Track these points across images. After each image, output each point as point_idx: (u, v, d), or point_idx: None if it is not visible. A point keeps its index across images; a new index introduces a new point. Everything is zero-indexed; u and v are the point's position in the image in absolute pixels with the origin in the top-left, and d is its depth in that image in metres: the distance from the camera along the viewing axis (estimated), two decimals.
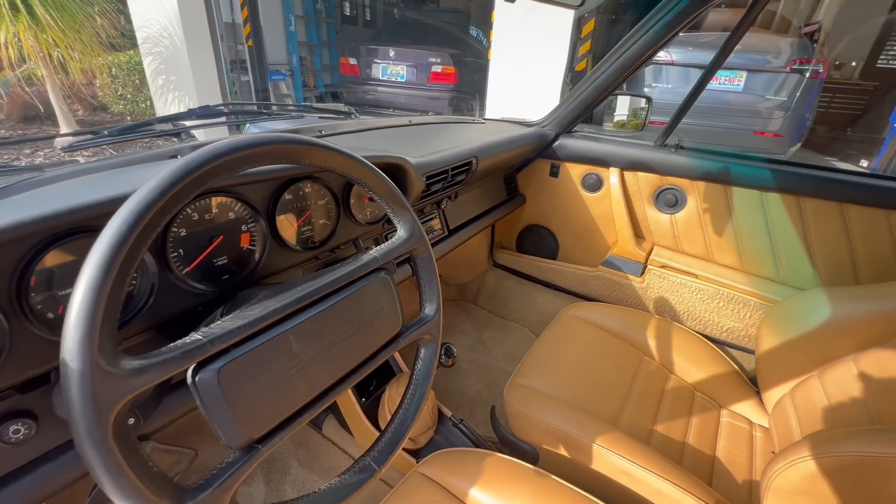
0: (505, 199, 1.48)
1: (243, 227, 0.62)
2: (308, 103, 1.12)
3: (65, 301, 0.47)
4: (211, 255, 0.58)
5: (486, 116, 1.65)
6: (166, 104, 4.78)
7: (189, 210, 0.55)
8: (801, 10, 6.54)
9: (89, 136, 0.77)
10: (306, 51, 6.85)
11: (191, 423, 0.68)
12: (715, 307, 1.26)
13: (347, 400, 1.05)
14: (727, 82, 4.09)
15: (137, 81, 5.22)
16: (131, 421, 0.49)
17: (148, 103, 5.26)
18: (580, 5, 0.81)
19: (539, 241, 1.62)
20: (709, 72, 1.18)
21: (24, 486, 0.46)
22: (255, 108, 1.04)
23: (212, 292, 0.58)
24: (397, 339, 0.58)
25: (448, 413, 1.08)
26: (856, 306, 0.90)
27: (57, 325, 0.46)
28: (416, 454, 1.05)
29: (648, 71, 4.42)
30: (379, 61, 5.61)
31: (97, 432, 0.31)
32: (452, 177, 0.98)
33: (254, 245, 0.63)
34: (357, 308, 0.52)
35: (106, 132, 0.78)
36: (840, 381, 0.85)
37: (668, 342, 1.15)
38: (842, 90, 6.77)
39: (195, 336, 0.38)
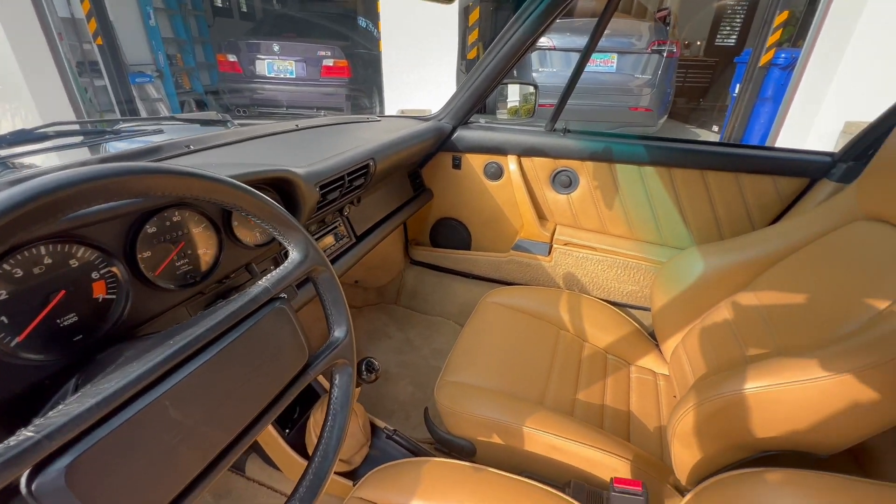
0: (412, 196, 1.45)
1: (94, 275, 0.51)
2: (171, 114, 0.96)
3: None
4: (50, 316, 0.47)
5: (386, 109, 1.60)
6: None
7: (6, 266, 0.44)
8: None
9: None
10: (175, 48, 6.10)
11: None
12: (615, 275, 1.38)
13: (269, 435, 0.96)
14: (602, 64, 4.48)
15: None
16: None
17: None
18: (452, 1, 0.79)
19: (452, 233, 1.63)
20: (584, 57, 1.26)
21: None
22: (90, 126, 0.86)
23: (58, 361, 0.47)
24: (306, 372, 0.53)
25: (381, 425, 1.05)
26: (722, 259, 1.04)
27: None
28: (353, 475, 1.00)
29: (535, 56, 4.66)
30: (263, 57, 5.19)
31: None
32: (350, 182, 0.92)
33: (112, 293, 0.53)
34: (251, 349, 0.46)
35: None
36: (716, 326, 0.98)
37: (579, 313, 1.23)
38: (692, 66, 7.83)
39: (25, 433, 0.30)
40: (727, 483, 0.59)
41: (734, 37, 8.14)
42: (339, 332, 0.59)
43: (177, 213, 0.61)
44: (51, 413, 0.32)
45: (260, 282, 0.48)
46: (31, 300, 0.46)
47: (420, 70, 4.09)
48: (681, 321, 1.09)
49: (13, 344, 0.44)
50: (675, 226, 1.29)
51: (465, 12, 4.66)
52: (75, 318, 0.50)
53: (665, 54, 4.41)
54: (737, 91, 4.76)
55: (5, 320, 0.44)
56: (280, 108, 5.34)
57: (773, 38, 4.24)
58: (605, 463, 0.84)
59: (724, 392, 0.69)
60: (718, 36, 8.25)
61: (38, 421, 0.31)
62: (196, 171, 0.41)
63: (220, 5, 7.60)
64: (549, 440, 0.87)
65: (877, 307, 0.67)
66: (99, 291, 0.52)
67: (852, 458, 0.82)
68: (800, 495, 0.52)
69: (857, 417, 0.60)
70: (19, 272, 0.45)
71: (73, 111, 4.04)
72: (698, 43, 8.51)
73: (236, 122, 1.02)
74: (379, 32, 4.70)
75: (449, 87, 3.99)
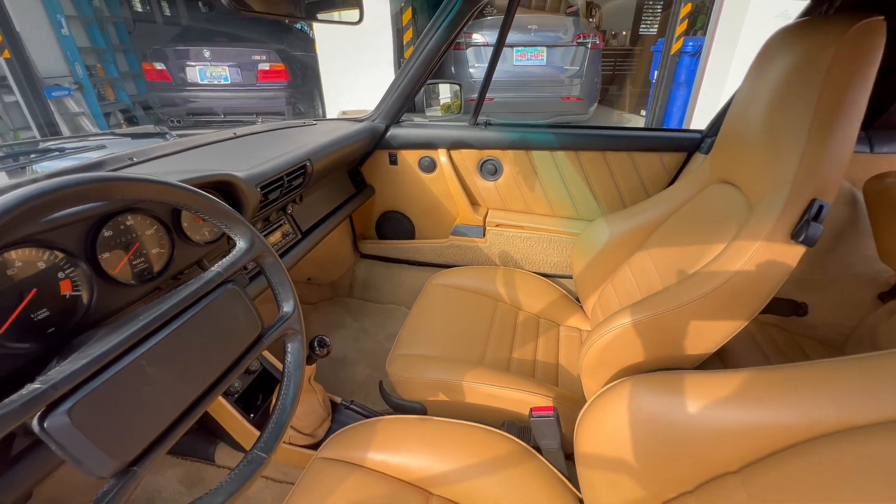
0: (353, 192, 1.56)
1: (60, 275, 0.59)
2: (111, 130, 1.01)
3: None
4: (25, 311, 0.55)
5: (328, 112, 1.68)
6: None
7: None
8: None
9: None
10: (95, 58, 5.73)
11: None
12: (542, 249, 1.56)
13: (235, 421, 1.04)
14: (533, 58, 4.72)
15: None
16: None
17: None
18: (359, 22, 0.90)
19: (396, 225, 1.75)
20: (496, 53, 1.40)
21: None
22: (37, 145, 0.90)
23: (36, 349, 0.55)
24: (260, 341, 0.63)
25: (338, 400, 1.15)
26: (623, 226, 1.22)
27: None
28: (317, 447, 1.11)
29: (470, 52, 4.83)
30: (193, 63, 5.01)
31: None
32: (289, 182, 1.02)
33: (77, 290, 0.61)
34: (209, 323, 0.56)
35: None
36: (622, 282, 1.16)
37: (513, 286, 1.38)
38: (620, 55, 8.33)
39: (33, 386, 0.39)
40: (614, 388, 0.75)
41: (656, 26, 8.75)
42: (287, 308, 0.69)
43: (129, 218, 0.69)
44: (50, 372, 0.41)
45: (213, 268, 0.58)
46: (8, 298, 0.53)
47: (358, 71, 4.15)
48: (596, 281, 1.27)
49: None
50: (587, 201, 1.48)
51: (399, 12, 4.74)
52: (47, 313, 0.57)
53: (589, 46, 4.72)
54: (655, 77, 5.18)
55: None
56: (217, 117, 5.18)
57: (681, 28, 4.66)
58: (532, 402, 1.00)
59: (613, 327, 0.86)
60: (642, 26, 8.83)
61: (40, 378, 0.41)
62: (152, 177, 0.50)
63: (141, 10, 7.18)
64: (487, 390, 1.02)
65: (716, 250, 0.86)
66: (66, 289, 0.59)
67: (721, 365, 1.03)
68: (660, 387, 0.68)
69: (705, 334, 0.79)
70: None
71: None
72: (624, 33, 9.05)
73: (174, 133, 1.08)
74: (314, 34, 4.68)
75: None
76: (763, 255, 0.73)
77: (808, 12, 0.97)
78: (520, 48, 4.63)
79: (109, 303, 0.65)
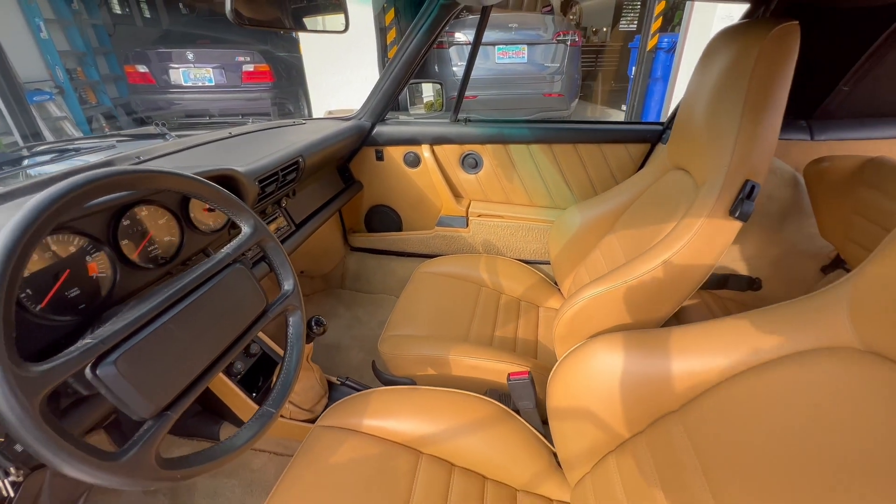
0: (343, 187, 1.64)
1: (87, 258, 0.67)
2: (117, 131, 1.08)
3: None
4: (61, 289, 0.63)
5: (314, 111, 1.75)
6: None
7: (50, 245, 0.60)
8: None
9: None
10: (75, 61, 5.67)
11: None
12: (522, 237, 1.66)
13: (238, 399, 1.12)
14: (514, 55, 4.83)
15: None
16: None
17: None
18: (345, 30, 0.99)
19: (384, 218, 1.84)
20: (472, 55, 1.50)
21: None
22: (51, 146, 0.98)
23: (72, 321, 0.63)
24: (265, 315, 0.73)
25: (335, 379, 1.24)
26: (593, 212, 1.33)
27: None
28: (315, 422, 1.19)
29: (454, 51, 4.91)
30: (176, 65, 5.02)
31: (29, 421, 0.40)
32: (284, 177, 1.10)
33: (103, 272, 0.69)
34: (222, 296, 0.65)
35: None
36: (593, 263, 1.27)
37: (495, 272, 1.49)
38: (601, 51, 8.50)
39: (85, 341, 0.48)
40: (579, 348, 0.85)
41: (635, 23, 8.93)
42: (287, 286, 0.78)
43: (144, 209, 0.77)
44: (97, 331, 0.50)
45: (223, 250, 0.67)
46: (46, 278, 0.61)
47: (343, 71, 4.21)
48: (571, 264, 1.38)
49: (38, 309, 0.60)
50: (561, 190, 1.59)
51: (382, 12, 4.81)
52: (78, 292, 0.66)
53: (569, 43, 4.85)
54: (633, 73, 5.34)
55: (30, 292, 0.59)
56: (203, 118, 5.19)
57: (655, 25, 4.82)
58: (509, 370, 1.10)
59: (580, 299, 0.96)
60: (622, 22, 9.00)
61: (90, 335, 0.49)
62: (173, 171, 0.59)
63: (120, 12, 7.10)
64: (471, 362, 1.12)
65: (670, 228, 0.97)
66: (93, 270, 0.68)
67: None
68: (617, 344, 0.78)
69: (658, 302, 0.89)
70: (35, 256, 0.60)
71: None
72: (605, 29, 9.22)
73: (173, 133, 1.16)
74: (298, 35, 4.72)
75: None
76: (706, 230, 0.84)
77: (746, 16, 1.08)
78: (501, 46, 4.73)
79: (129, 284, 0.74)
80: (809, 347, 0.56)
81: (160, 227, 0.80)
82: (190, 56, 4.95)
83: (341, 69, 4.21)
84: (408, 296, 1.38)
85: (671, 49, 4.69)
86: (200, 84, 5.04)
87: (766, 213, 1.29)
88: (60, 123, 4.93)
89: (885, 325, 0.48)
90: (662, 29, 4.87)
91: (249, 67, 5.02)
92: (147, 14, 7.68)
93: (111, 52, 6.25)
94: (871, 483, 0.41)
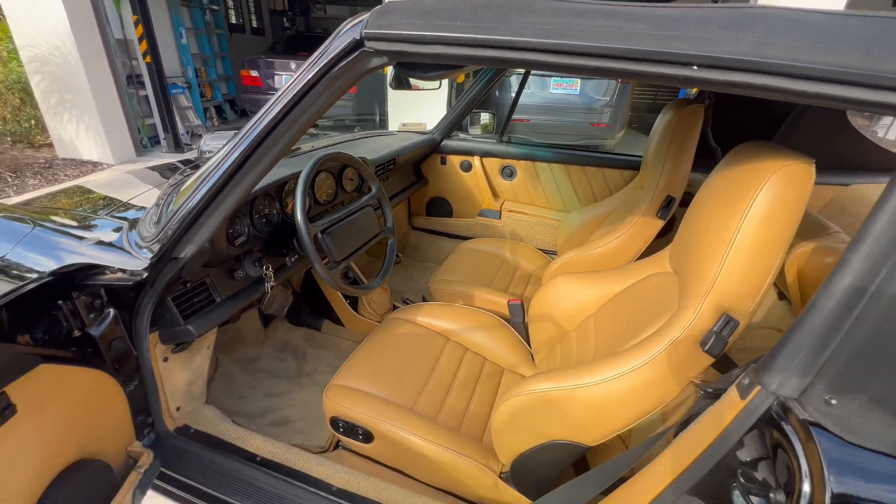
0: (414, 181, 2.32)
1: (287, 199, 1.36)
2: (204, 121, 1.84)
3: None
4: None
5: (389, 123, 2.43)
6: (62, 122, 4.72)
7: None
8: None
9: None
10: (200, 62, 6.92)
11: None
12: (539, 229, 2.25)
13: (340, 303, 1.79)
14: (569, 87, 5.38)
15: (18, 101, 4.99)
16: None
17: (33, 122, 5.05)
18: (439, 87, 1.67)
19: (440, 207, 2.49)
20: (519, 90, 2.12)
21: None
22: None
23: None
24: (378, 235, 1.39)
25: (398, 303, 1.89)
26: (589, 215, 1.89)
27: None
28: None
29: (514, 78, 5.54)
30: (280, 73, 6.04)
31: (332, 281, 1.08)
32: (386, 166, 1.78)
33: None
34: (362, 217, 1.32)
35: None
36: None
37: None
38: (661, 85, 8.80)
39: (321, 220, 1.16)
40: (552, 283, 1.42)
41: None
42: (389, 223, 1.44)
43: (324, 173, 1.45)
44: (317, 222, 1.18)
45: (364, 197, 1.35)
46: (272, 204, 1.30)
47: (419, 92, 4.98)
48: (567, 249, 1.94)
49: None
50: (570, 198, 2.17)
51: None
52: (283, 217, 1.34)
53: (619, 80, 5.33)
54: None
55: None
56: None
57: None
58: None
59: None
60: None
61: (321, 221, 1.17)
62: (353, 155, 1.27)
63: (235, 22, 8.44)
64: (491, 298, 1.71)
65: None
66: (289, 208, 1.36)
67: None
68: (577, 280, 1.35)
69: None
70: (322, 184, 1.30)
71: (124, 115, 4.84)
72: None
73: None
74: None
75: (441, 104, 4.84)
76: (638, 227, 1.40)
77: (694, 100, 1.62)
78: (556, 78, 5.29)
79: (315, 210, 1.42)
80: (654, 273, 1.11)
81: (327, 184, 1.49)
82: (293, 66, 5.95)
83: (418, 91, 4.98)
84: (453, 259, 2.00)
85: None
86: None
87: None
88: (186, 112, 6.09)
89: (677, 259, 1.03)
90: None
91: None
92: (255, 24, 9.02)
93: (227, 56, 7.49)
94: (643, 324, 0.98)
